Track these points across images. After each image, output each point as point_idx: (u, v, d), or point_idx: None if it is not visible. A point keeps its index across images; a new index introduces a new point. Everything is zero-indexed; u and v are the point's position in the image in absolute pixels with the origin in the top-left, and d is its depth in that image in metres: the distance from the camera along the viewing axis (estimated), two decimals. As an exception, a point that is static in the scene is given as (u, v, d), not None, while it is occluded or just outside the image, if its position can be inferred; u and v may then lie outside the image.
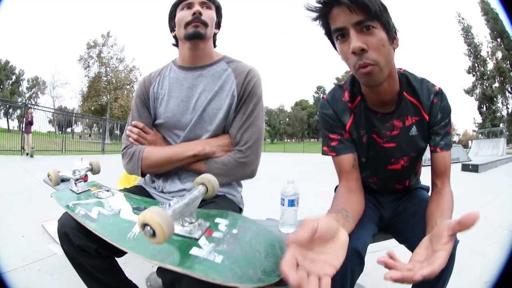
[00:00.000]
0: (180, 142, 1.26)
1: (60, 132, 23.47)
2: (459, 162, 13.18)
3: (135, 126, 1.28)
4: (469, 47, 39.32)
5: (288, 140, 69.97)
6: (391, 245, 1.09)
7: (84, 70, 36.67)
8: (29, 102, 34.69)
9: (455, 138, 57.43)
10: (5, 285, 1.32)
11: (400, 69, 1.08)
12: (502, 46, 35.50)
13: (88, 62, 36.48)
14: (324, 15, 0.93)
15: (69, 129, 20.82)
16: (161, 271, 0.94)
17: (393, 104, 1.06)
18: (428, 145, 1.12)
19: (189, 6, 1.23)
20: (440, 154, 1.08)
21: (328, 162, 1.24)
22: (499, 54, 36.11)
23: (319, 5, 0.91)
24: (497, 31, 35.58)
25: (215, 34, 1.34)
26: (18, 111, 34.33)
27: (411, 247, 0.98)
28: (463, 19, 39.65)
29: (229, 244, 0.80)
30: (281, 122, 70.00)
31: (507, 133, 32.37)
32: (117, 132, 24.07)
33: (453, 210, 0.99)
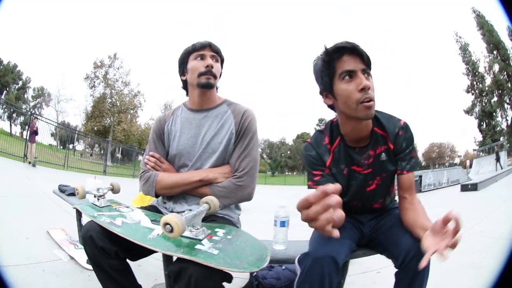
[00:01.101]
0: (189, 169, 1.53)
1: (62, 147, 23.46)
2: (459, 183, 13.31)
3: (152, 156, 1.57)
4: (467, 66, 39.27)
5: (289, 173, 69.16)
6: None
7: (90, 89, 36.66)
8: (34, 111, 34.34)
9: (456, 160, 56.39)
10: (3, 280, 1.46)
11: None
12: (499, 57, 35.67)
13: (94, 82, 36.46)
14: (337, 59, 1.19)
15: (70, 146, 20.90)
16: (171, 264, 1.17)
17: (367, 139, 1.33)
18: (395, 169, 1.35)
19: (202, 57, 1.51)
20: (406, 176, 1.33)
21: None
22: (496, 67, 36.21)
23: (336, 49, 1.18)
24: (493, 43, 35.86)
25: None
26: (22, 118, 34.37)
27: (391, 255, 1.29)
28: (460, 37, 39.86)
29: (224, 244, 1.14)
30: (282, 155, 68.96)
31: (508, 145, 32.38)
32: (118, 155, 23.98)
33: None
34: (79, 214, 2.48)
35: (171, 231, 0.98)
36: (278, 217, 1.51)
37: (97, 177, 1.95)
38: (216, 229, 1.26)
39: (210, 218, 1.40)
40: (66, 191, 2.61)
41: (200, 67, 1.49)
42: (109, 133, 34.18)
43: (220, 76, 1.59)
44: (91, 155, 35.37)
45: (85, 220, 1.92)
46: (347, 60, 1.17)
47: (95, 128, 34.78)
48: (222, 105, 1.57)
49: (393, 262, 1.28)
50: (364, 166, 1.34)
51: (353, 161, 1.34)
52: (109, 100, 36.25)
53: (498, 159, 19.15)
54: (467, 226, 4.50)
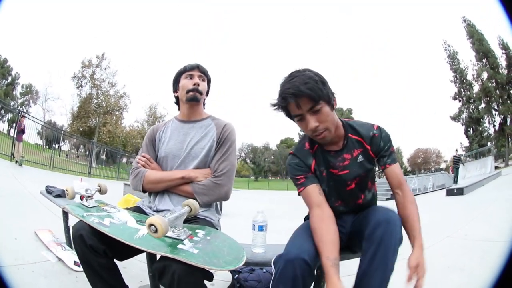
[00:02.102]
0: (174, 169, 1.73)
1: (48, 147, 23.06)
2: (445, 188, 13.47)
3: (144, 157, 1.79)
4: (455, 73, 40.04)
5: (273, 178, 69.32)
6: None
7: (77, 89, 36.34)
8: (22, 109, 33.62)
9: (442, 165, 57.31)
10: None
11: (344, 119, 1.52)
12: (488, 65, 36.28)
13: (81, 82, 36.17)
14: (285, 107, 1.37)
15: (56, 146, 20.56)
16: (155, 262, 1.26)
17: (342, 144, 1.49)
18: (372, 166, 1.52)
19: (191, 77, 1.79)
20: (389, 168, 1.47)
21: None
22: (485, 75, 36.88)
23: (280, 105, 1.37)
24: (482, 52, 36.49)
25: (204, 99, 1.87)
26: (9, 115, 33.34)
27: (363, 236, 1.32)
28: (449, 46, 40.68)
29: (203, 244, 1.26)
30: (266, 160, 68.82)
31: (495, 149, 32.89)
32: (103, 157, 23.70)
33: (417, 208, 1.46)
34: (65, 215, 2.54)
35: (156, 231, 1.11)
36: (256, 222, 1.61)
37: (82, 179, 1.96)
38: (197, 230, 1.37)
39: (192, 220, 1.55)
40: (53, 192, 2.62)
41: (188, 85, 1.76)
42: (94, 134, 33.89)
43: (207, 94, 1.87)
44: (78, 156, 34.95)
45: (72, 221, 2.01)
46: (293, 107, 1.34)
47: (81, 129, 34.38)
48: (207, 119, 1.83)
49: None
50: (340, 168, 1.47)
51: (329, 163, 1.48)
52: (95, 101, 35.97)
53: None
54: (452, 229, 4.61)
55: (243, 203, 9.61)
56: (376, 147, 1.47)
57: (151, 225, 1.11)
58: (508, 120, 36.95)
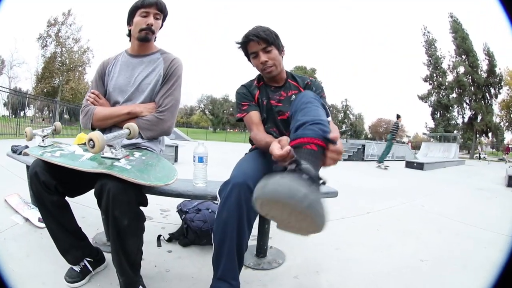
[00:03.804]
0: (121, 104, 1.76)
1: (14, 116, 22.05)
2: (404, 160, 13.82)
3: (93, 93, 1.79)
4: (430, 58, 41.73)
5: (231, 130, 69.44)
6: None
7: (42, 49, 35.07)
8: None
9: (405, 139, 59.79)
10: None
11: (288, 71, 1.90)
12: (467, 62, 38.06)
13: (46, 41, 34.94)
14: (245, 46, 1.75)
15: (22, 113, 19.72)
16: (96, 184, 1.32)
17: (282, 84, 1.85)
18: None
19: (146, 15, 1.75)
20: None
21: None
22: (461, 69, 38.76)
23: (243, 42, 1.73)
24: (463, 49, 38.27)
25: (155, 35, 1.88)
26: None
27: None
28: (428, 32, 41.93)
29: (137, 162, 1.41)
30: (225, 112, 68.55)
31: (461, 139, 34.51)
32: (66, 116, 22.96)
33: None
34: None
35: (93, 146, 1.21)
36: (196, 153, 1.69)
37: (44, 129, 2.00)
38: (134, 152, 1.53)
39: (133, 146, 1.68)
40: (18, 150, 2.72)
41: (142, 24, 1.74)
42: (58, 94, 32.90)
43: (160, 27, 1.86)
44: (43, 119, 33.76)
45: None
46: (252, 45, 1.72)
47: (45, 90, 33.36)
48: (156, 53, 1.85)
49: None
50: (276, 100, 1.82)
51: (269, 96, 1.83)
52: (59, 59, 34.93)
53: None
54: (409, 198, 4.84)
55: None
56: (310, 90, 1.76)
57: (90, 140, 1.20)
58: (479, 117, 38.86)
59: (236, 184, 1.32)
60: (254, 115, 1.76)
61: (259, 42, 1.69)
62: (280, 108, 1.79)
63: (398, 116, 10.97)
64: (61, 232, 1.49)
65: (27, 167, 2.42)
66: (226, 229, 1.32)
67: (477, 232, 3.12)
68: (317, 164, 1.07)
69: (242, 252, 1.38)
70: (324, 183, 0.99)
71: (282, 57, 1.81)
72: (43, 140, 1.72)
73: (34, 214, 2.42)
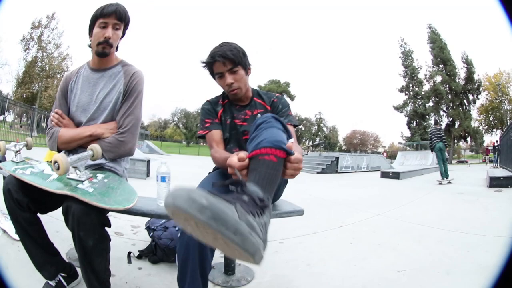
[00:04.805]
0: (84, 124, 1.73)
1: (-6, 121, 21.60)
2: (380, 170, 13.76)
3: (56, 113, 1.75)
4: (406, 69, 42.94)
5: (204, 144, 68.55)
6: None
7: (24, 52, 34.51)
8: None
9: (380, 150, 60.86)
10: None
11: (255, 88, 1.90)
12: (444, 71, 39.41)
13: (29, 44, 34.44)
14: (210, 66, 1.72)
15: (1, 117, 19.36)
16: (63, 205, 1.38)
17: (247, 103, 1.84)
18: None
19: (105, 25, 1.67)
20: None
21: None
22: (438, 78, 40.01)
23: (208, 62, 1.71)
24: (441, 58, 39.61)
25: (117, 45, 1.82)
26: None
27: None
28: (405, 44, 43.18)
29: (99, 185, 1.46)
30: (198, 125, 69.60)
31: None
32: (44, 124, 22.54)
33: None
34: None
35: (58, 168, 1.26)
36: (159, 173, 1.69)
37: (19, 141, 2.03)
38: (98, 174, 1.56)
39: (99, 169, 1.67)
40: None
41: (100, 37, 1.68)
42: (36, 100, 32.41)
43: (122, 36, 1.80)
44: (20, 126, 32.98)
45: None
46: (217, 66, 1.70)
47: (24, 96, 32.86)
48: (117, 66, 1.80)
49: None
50: (240, 119, 1.81)
51: (234, 115, 1.82)
52: (40, 64, 34.46)
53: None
54: (385, 209, 4.72)
55: (172, 168, 9.09)
56: (275, 109, 1.83)
57: (55, 162, 1.26)
58: (457, 123, 40.02)
59: None
60: (216, 134, 1.76)
61: (225, 63, 1.67)
62: (245, 127, 1.79)
63: (436, 122, 10.77)
64: (35, 248, 1.52)
65: (4, 177, 2.36)
66: (188, 249, 1.31)
67: (460, 237, 3.10)
68: (275, 177, 1.04)
69: (206, 273, 1.38)
70: (265, 206, 0.93)
71: (248, 75, 1.81)
72: (15, 155, 1.73)
73: (11, 226, 2.34)
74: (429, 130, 10.86)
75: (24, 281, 1.72)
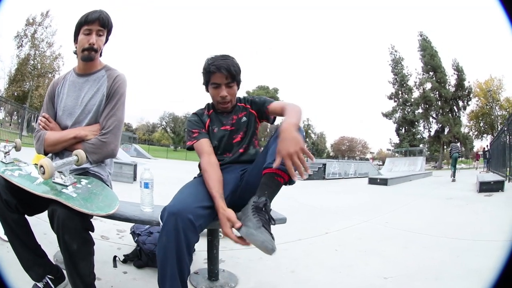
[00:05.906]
0: (70, 127, 1.78)
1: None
2: (367, 176, 13.85)
3: (44, 117, 1.81)
4: (396, 76, 43.40)
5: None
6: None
7: (17, 49, 34.20)
8: None
9: (368, 156, 61.32)
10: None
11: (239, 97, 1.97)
12: (434, 79, 39.86)
13: (22, 41, 34.12)
14: (210, 74, 1.78)
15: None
16: (48, 208, 1.41)
17: (231, 109, 1.91)
18: (254, 125, 1.91)
19: (89, 32, 1.74)
20: (271, 105, 1.83)
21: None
22: (428, 85, 40.50)
23: (213, 71, 1.76)
24: (431, 65, 40.12)
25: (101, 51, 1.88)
26: None
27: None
28: (396, 51, 43.58)
29: (83, 190, 1.48)
30: (185, 137, 69.31)
31: (428, 152, 35.70)
32: (33, 124, 22.28)
33: (298, 110, 1.64)
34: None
35: (44, 172, 1.30)
36: (142, 179, 1.73)
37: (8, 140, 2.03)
38: (82, 179, 1.58)
39: (83, 174, 1.69)
40: None
41: (84, 43, 1.74)
42: (27, 99, 32.08)
43: (106, 41, 1.86)
44: (10, 124, 32.52)
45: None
46: (216, 76, 1.77)
47: (15, 94, 32.49)
48: (101, 71, 1.86)
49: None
50: (229, 125, 1.88)
51: (222, 122, 1.89)
52: (32, 62, 34.20)
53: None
54: (372, 215, 4.75)
55: (159, 172, 9.16)
56: (255, 105, 1.92)
57: (40, 166, 1.30)
58: (446, 130, 40.42)
59: (171, 213, 1.36)
60: (205, 143, 1.79)
61: (226, 76, 1.76)
62: (234, 131, 1.88)
63: (455, 140, 12.93)
64: (23, 249, 1.56)
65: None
66: (166, 253, 1.36)
67: (449, 243, 3.10)
68: (277, 192, 1.49)
69: (184, 277, 1.41)
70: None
71: (237, 90, 1.90)
72: (5, 156, 1.74)
73: (0, 227, 2.34)
74: (450, 144, 14.84)
75: (14, 281, 1.70)
